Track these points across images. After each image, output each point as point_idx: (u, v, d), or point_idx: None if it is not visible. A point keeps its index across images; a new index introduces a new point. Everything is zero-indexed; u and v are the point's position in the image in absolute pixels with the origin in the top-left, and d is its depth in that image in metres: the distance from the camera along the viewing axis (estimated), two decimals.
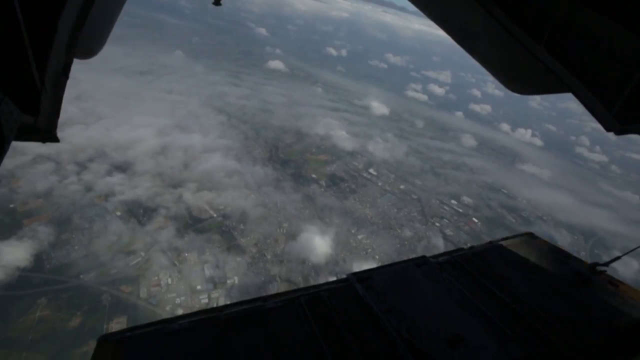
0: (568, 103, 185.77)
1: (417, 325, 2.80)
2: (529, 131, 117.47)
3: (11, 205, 39.69)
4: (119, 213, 43.64)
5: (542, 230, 62.09)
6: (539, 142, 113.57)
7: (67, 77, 1.66)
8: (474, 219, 62.50)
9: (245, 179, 55.38)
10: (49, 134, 1.63)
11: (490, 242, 4.35)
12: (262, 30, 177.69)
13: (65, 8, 1.33)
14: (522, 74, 2.74)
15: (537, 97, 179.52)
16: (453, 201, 66.32)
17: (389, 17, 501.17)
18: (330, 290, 2.98)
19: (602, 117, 1.90)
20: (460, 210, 63.89)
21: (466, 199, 67.46)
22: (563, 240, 60.94)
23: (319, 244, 45.84)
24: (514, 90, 3.06)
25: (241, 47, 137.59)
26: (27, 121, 1.20)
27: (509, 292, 3.24)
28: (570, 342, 2.66)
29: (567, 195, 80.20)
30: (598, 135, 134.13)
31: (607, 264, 3.78)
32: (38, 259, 35.25)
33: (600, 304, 3.30)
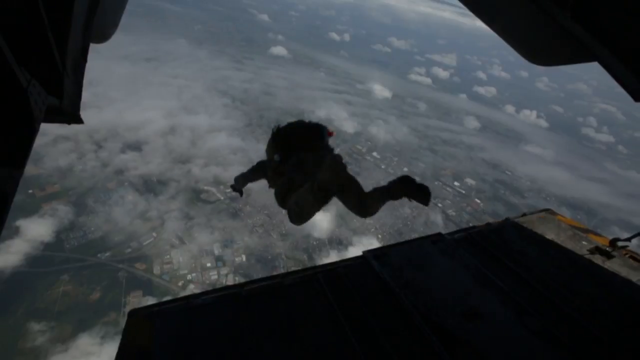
0: (577, 84, 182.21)
1: (433, 300, 2.82)
2: (534, 112, 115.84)
3: (30, 191, 41.94)
4: (133, 186, 47.13)
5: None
6: (544, 123, 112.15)
7: (85, 60, 1.72)
8: (476, 199, 63.13)
9: (249, 156, 57.81)
10: (73, 116, 1.70)
11: (507, 219, 4.29)
12: (264, 17, 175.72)
13: None
14: (544, 44, 2.59)
15: (545, 79, 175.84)
16: (456, 183, 66.92)
17: (394, 0, 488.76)
18: (347, 267, 3.02)
19: (631, 86, 1.81)
20: (463, 192, 64.39)
21: (469, 181, 67.99)
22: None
23: (323, 225, 47.46)
24: (535, 62, 2.92)
25: (244, 34, 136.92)
26: (53, 103, 1.30)
27: (526, 267, 3.21)
28: (589, 317, 2.60)
29: (565, 171, 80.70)
30: (606, 116, 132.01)
31: (629, 239, 3.66)
32: (58, 239, 37.46)
33: (621, 280, 3.22)
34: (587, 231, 3.95)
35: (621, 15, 1.71)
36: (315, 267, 3.04)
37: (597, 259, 3.43)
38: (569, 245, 3.65)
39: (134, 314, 2.38)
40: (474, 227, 4.22)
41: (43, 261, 35.05)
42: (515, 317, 2.62)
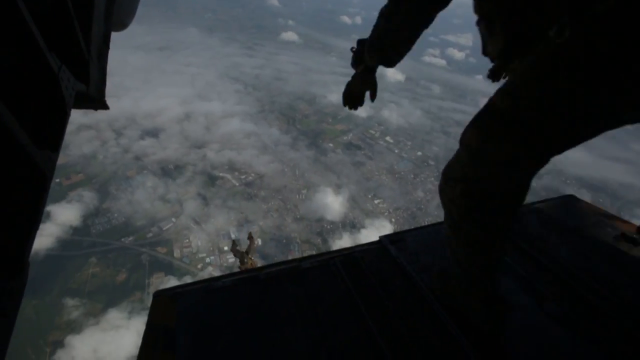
0: None
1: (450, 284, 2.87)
2: None
3: (57, 180, 44.22)
4: (152, 171, 49.75)
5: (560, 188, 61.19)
6: None
7: (108, 47, 1.78)
8: None
9: (263, 140, 59.71)
10: (99, 102, 1.76)
11: (527, 205, 4.03)
12: (274, 2, 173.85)
13: None
14: None
15: None
16: None
17: None
18: (363, 252, 3.01)
19: None
20: None
21: None
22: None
23: (336, 207, 48.14)
24: None
25: (254, 21, 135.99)
26: (81, 89, 1.35)
27: (546, 253, 3.10)
28: (613, 304, 2.53)
29: (585, 152, 77.78)
30: None
31: None
32: (85, 224, 39.63)
33: None
34: (612, 217, 3.70)
35: None
36: (331, 252, 2.98)
37: (623, 246, 3.21)
38: (593, 232, 3.44)
39: (158, 294, 2.40)
40: None
41: (72, 245, 37.29)
42: (534, 303, 2.49)
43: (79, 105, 1.56)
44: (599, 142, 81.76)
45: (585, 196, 59.99)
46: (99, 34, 1.51)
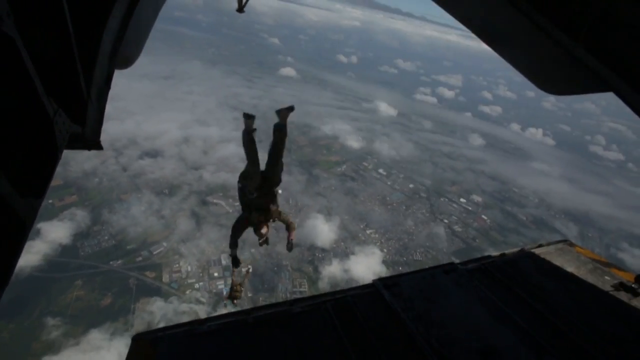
0: (585, 104, 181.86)
1: (447, 335, 2.67)
2: (540, 130, 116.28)
3: (50, 201, 44.15)
4: (150, 188, 51.41)
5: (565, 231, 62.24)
6: (550, 141, 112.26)
7: (109, 88, 1.71)
8: (483, 216, 63.02)
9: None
10: (93, 142, 1.70)
11: (522, 250, 4.10)
12: (275, 40, 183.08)
13: (109, 20, 1.39)
14: (556, 74, 2.49)
15: (552, 99, 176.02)
16: (462, 199, 67.11)
17: (401, 24, 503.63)
18: (356, 296, 2.92)
19: None
20: (470, 208, 64.48)
21: (475, 197, 68.13)
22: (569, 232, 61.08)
23: (328, 235, 48.26)
24: (547, 91, 2.80)
25: (255, 56, 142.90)
26: (76, 130, 1.28)
27: (545, 302, 3.01)
28: (617, 358, 2.39)
29: (568, 184, 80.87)
30: (615, 134, 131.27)
31: None
32: (74, 246, 39.10)
33: None
34: (609, 265, 3.69)
35: (637, 46, 1.63)
36: (323, 295, 2.95)
37: (622, 296, 3.13)
38: (590, 279, 3.40)
39: (137, 339, 2.31)
40: (488, 256, 4.05)
41: (59, 267, 36.55)
42: (536, 358, 2.40)
43: (72, 146, 1.58)
44: (581, 176, 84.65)
45: (573, 230, 61.20)
46: (101, 75, 1.56)
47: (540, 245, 4.10)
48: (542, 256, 3.78)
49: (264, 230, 3.95)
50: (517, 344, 2.56)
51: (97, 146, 1.80)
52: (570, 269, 3.56)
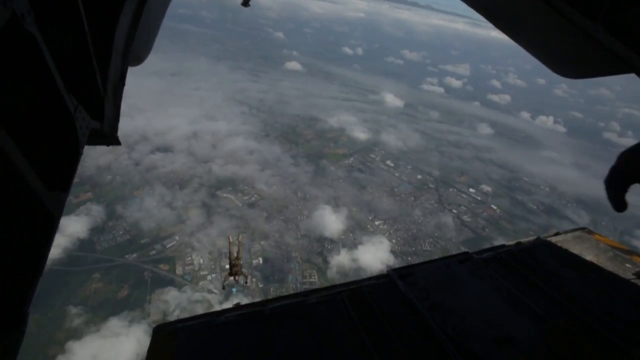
0: (599, 90, 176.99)
1: (463, 324, 2.67)
2: (551, 118, 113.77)
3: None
4: (161, 182, 53.27)
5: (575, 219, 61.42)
6: (561, 128, 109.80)
7: (124, 84, 1.76)
8: (492, 205, 62.48)
9: (265, 156, 63.55)
10: (112, 138, 1.75)
11: (538, 238, 4.04)
12: (280, 34, 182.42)
13: (120, 19, 1.43)
14: (574, 57, 2.43)
15: (564, 85, 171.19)
16: (471, 189, 66.62)
17: (407, 14, 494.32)
18: (371, 286, 2.94)
19: None
20: (479, 198, 63.99)
21: (484, 187, 67.53)
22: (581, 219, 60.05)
23: (336, 225, 48.83)
24: (564, 75, 2.75)
25: (260, 51, 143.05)
26: (95, 126, 1.32)
27: (563, 290, 2.98)
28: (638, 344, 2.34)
29: (578, 170, 79.73)
30: (631, 120, 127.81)
31: None
32: (91, 241, 40.53)
33: None
34: (630, 253, 3.62)
35: None
36: (338, 285, 2.94)
37: None
38: (610, 267, 3.34)
39: (158, 330, 2.36)
40: (502, 245, 4.00)
41: (77, 260, 38.03)
42: None
43: (92, 142, 1.59)
44: (590, 161, 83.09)
45: (585, 218, 60.28)
46: (116, 71, 1.58)
47: (557, 234, 4.04)
48: (559, 244, 3.74)
49: None
50: (533, 332, 2.58)
51: (116, 141, 1.89)
52: (589, 257, 3.50)
